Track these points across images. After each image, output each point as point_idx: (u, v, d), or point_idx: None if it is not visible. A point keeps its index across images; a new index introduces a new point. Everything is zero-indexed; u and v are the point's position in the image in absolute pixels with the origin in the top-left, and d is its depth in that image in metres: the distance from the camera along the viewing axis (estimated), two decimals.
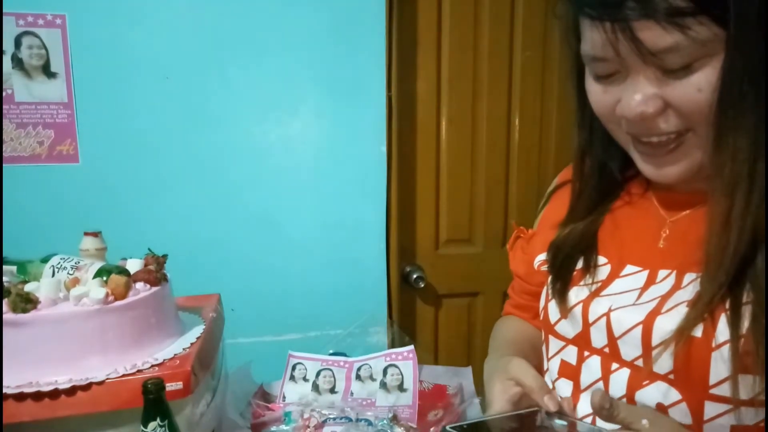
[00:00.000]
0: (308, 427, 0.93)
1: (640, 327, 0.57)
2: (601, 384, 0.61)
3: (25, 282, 0.75)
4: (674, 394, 0.55)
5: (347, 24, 1.44)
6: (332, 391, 1.07)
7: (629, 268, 0.64)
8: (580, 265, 0.68)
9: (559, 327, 0.67)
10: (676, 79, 0.52)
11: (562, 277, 0.68)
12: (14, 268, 0.82)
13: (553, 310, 0.68)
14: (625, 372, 0.59)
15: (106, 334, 0.72)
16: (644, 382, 0.57)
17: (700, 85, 0.51)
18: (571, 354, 0.65)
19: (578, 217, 0.71)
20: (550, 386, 0.67)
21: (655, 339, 0.56)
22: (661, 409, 0.56)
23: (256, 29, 1.39)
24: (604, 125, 0.62)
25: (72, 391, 0.67)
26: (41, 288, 0.72)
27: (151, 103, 1.36)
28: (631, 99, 0.54)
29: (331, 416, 0.95)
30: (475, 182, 1.66)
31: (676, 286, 0.58)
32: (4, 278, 0.78)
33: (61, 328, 0.70)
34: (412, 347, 1.09)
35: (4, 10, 1.25)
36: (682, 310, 0.55)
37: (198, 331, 0.86)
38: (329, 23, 1.43)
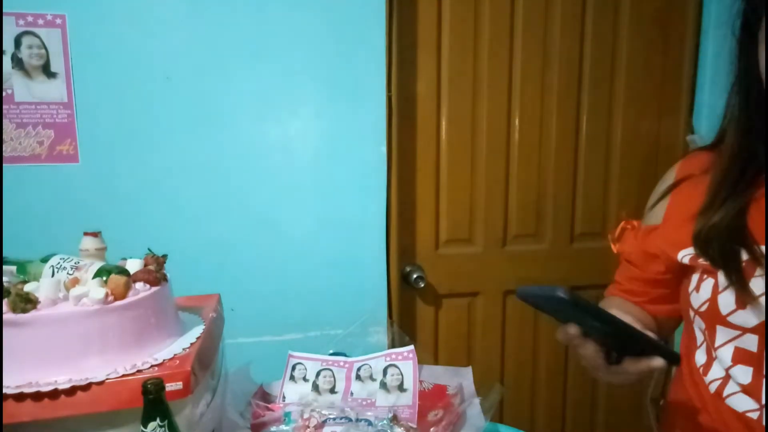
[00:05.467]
0: (308, 427, 0.93)
1: None
2: None
3: (25, 282, 0.75)
4: None
5: (347, 24, 1.44)
6: (332, 391, 1.07)
7: None
8: (745, 256, 0.68)
9: (734, 317, 0.68)
10: None
11: (735, 269, 0.68)
12: (14, 268, 0.82)
13: (726, 301, 0.69)
14: None
15: (105, 334, 0.72)
16: None
17: None
18: (750, 342, 0.67)
19: (722, 200, 0.71)
20: (723, 374, 0.71)
21: None
22: None
23: (257, 29, 1.39)
24: None
25: (72, 391, 0.67)
26: (41, 288, 0.72)
27: (151, 103, 1.36)
28: None
29: (331, 416, 0.95)
30: (475, 182, 1.66)
31: None
32: (4, 278, 0.78)
33: (61, 328, 0.70)
34: (412, 347, 1.09)
35: (4, 10, 1.25)
36: None
37: (198, 331, 0.86)
38: (329, 23, 1.43)
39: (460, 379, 1.06)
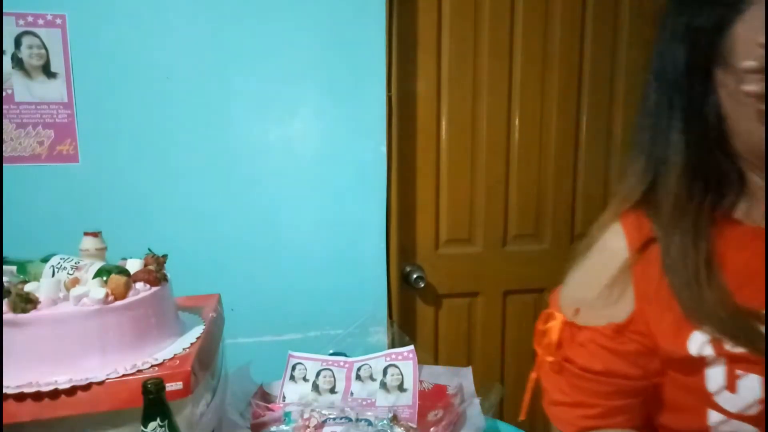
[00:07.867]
0: (308, 427, 0.93)
1: None
2: None
3: (25, 282, 0.75)
4: None
5: (347, 24, 1.44)
6: (332, 391, 1.07)
7: None
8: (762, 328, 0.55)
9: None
10: None
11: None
12: (14, 268, 0.82)
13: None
14: None
15: (105, 334, 0.72)
16: None
17: None
18: None
19: (704, 269, 0.58)
20: None
21: None
22: None
23: (256, 29, 1.39)
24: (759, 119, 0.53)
25: (72, 391, 0.67)
26: (41, 288, 0.72)
27: (151, 103, 1.36)
28: None
29: (331, 416, 0.95)
30: (475, 182, 1.66)
31: None
32: (4, 278, 0.78)
33: (61, 328, 0.70)
34: (412, 347, 1.10)
35: (4, 10, 1.25)
36: None
37: (198, 331, 0.86)
38: (329, 23, 1.43)
39: (460, 379, 1.06)
